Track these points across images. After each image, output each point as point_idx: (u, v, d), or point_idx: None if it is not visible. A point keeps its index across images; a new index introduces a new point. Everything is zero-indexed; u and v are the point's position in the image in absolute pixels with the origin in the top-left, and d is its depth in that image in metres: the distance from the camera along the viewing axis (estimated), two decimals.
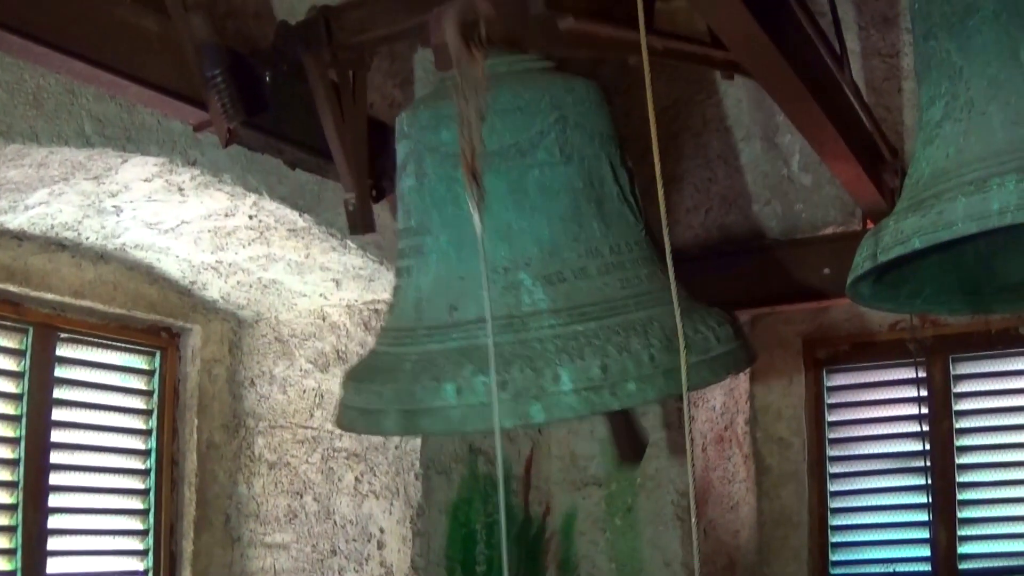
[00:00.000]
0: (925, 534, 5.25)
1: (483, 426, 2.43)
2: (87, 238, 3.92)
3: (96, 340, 4.25)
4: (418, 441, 4.44)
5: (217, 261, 4.18)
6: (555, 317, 2.53)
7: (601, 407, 2.41)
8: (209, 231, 3.95)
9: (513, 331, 2.51)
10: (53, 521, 4.00)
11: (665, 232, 2.01)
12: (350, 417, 2.74)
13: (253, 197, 3.73)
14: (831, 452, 5.64)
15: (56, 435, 4.04)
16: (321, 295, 4.52)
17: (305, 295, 4.52)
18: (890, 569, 5.49)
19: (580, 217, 2.67)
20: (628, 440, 3.31)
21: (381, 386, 2.61)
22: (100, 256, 4.09)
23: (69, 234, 3.86)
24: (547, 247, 2.62)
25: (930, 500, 5.18)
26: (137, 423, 4.38)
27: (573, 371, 2.39)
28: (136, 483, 4.36)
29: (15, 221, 3.69)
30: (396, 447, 4.47)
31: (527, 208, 2.65)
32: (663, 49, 3.30)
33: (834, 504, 5.61)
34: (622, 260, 2.66)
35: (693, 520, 1.81)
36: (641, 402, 2.45)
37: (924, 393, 5.33)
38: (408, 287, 2.78)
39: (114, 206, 3.70)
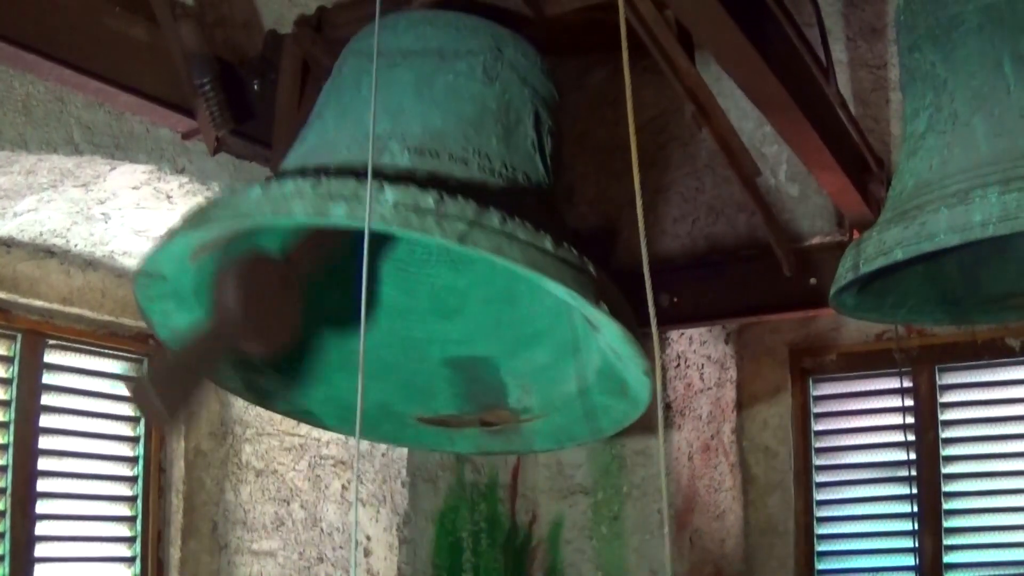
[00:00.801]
0: (911, 543, 5.24)
1: (271, 213, 2.23)
2: (75, 245, 3.92)
3: (84, 347, 4.26)
4: (405, 450, 4.44)
5: None
6: (411, 175, 2.36)
7: (420, 229, 2.16)
8: None
9: (358, 164, 2.39)
10: (41, 527, 3.99)
11: (643, 241, 2.02)
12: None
13: None
14: (817, 461, 5.65)
15: (44, 441, 4.04)
16: None
17: None
18: None
19: (481, 126, 2.59)
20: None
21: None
22: (88, 263, 4.09)
23: (58, 241, 3.87)
24: (432, 131, 2.53)
25: (916, 509, 5.19)
26: (125, 430, 4.38)
27: (402, 191, 2.17)
28: (124, 490, 4.36)
29: (4, 228, 3.70)
30: (383, 455, 4.47)
31: (427, 99, 2.59)
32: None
33: (820, 513, 5.61)
34: (514, 178, 2.56)
35: (666, 529, 1.82)
36: (470, 248, 2.19)
37: (910, 403, 5.33)
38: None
39: (102, 213, 3.71)
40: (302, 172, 2.45)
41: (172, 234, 2.42)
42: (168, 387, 2.39)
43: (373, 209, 2.15)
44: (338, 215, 2.18)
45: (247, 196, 2.26)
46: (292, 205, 2.19)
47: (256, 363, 2.85)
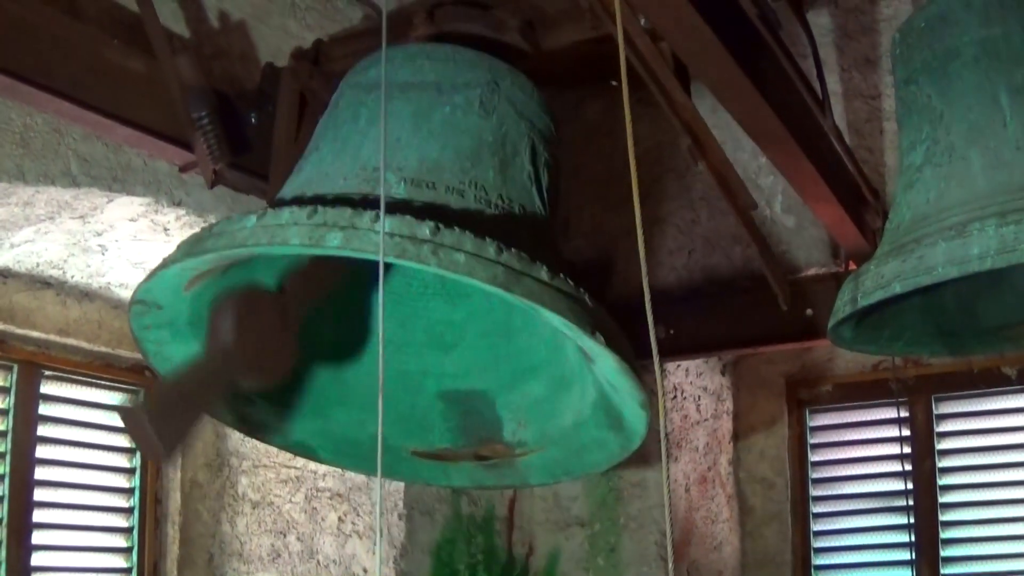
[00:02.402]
0: (908, 573, 5.23)
1: (266, 241, 2.24)
2: (72, 276, 3.92)
3: (80, 378, 4.25)
4: (401, 483, 4.43)
5: None
6: (407, 206, 2.39)
7: (414, 258, 2.18)
8: None
9: (354, 196, 2.44)
10: (37, 558, 3.99)
11: (644, 273, 2.02)
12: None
13: None
14: (814, 492, 5.64)
15: (40, 472, 4.03)
16: None
17: None
18: None
19: (478, 159, 2.63)
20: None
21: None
22: (85, 294, 4.09)
23: (54, 272, 3.87)
24: (429, 163, 2.57)
25: (913, 539, 5.18)
26: (121, 461, 4.38)
27: (398, 222, 2.20)
28: (120, 521, 4.35)
29: (0, 259, 3.70)
30: (381, 488, 4.46)
31: (424, 131, 2.62)
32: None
33: (817, 544, 5.60)
34: (510, 210, 2.59)
35: (670, 565, 1.82)
36: (464, 277, 2.21)
37: (907, 433, 5.33)
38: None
39: (99, 245, 3.71)
40: (298, 202, 2.46)
41: (167, 262, 2.42)
42: (163, 418, 2.38)
43: (367, 239, 2.18)
44: (333, 244, 2.20)
45: (242, 225, 2.28)
46: (288, 234, 2.22)
47: (250, 395, 2.85)
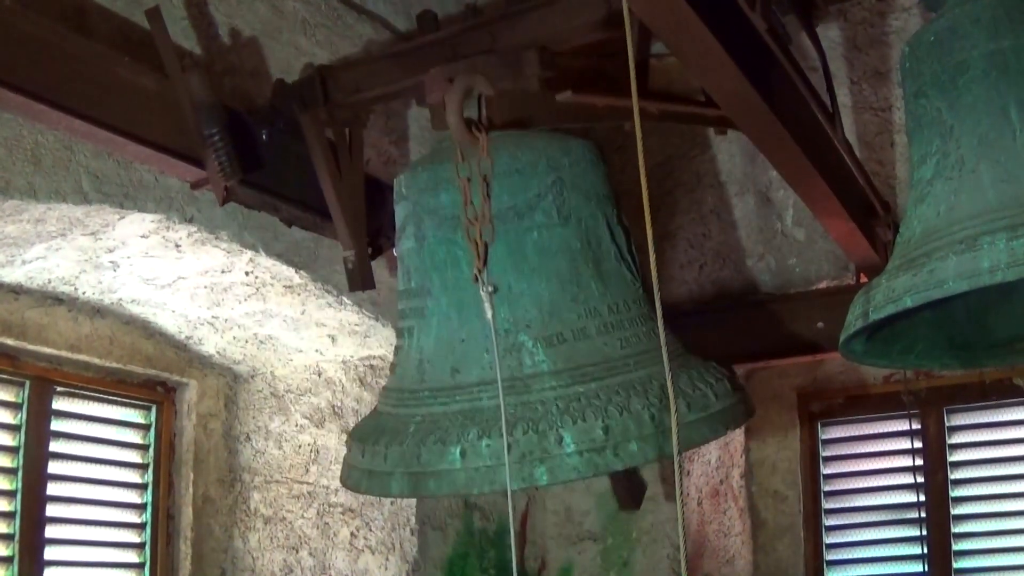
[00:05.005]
0: None
1: (488, 488, 2.46)
2: (84, 293, 3.93)
3: (92, 394, 4.26)
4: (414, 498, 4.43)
5: (213, 316, 4.19)
6: (556, 379, 2.56)
7: (604, 468, 2.44)
8: (205, 287, 3.96)
9: (516, 393, 2.54)
10: (49, 574, 3.98)
11: (656, 294, 2.02)
12: (355, 478, 2.75)
13: (249, 254, 3.74)
14: (826, 505, 5.63)
15: (52, 488, 4.04)
16: (317, 351, 4.52)
17: (301, 351, 4.52)
18: None
19: (579, 277, 2.69)
20: (627, 487, 3.29)
21: (386, 448, 2.63)
22: (97, 311, 4.09)
23: (66, 288, 3.87)
24: (547, 308, 2.65)
25: (926, 551, 5.17)
26: (133, 477, 4.38)
27: (576, 433, 2.42)
28: (132, 536, 4.35)
29: (12, 275, 3.70)
30: (392, 502, 4.46)
31: (526, 270, 2.67)
32: (658, 113, 3.32)
33: (830, 556, 5.59)
34: (621, 319, 2.69)
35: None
36: (643, 461, 2.49)
37: (919, 445, 5.32)
38: (410, 348, 2.79)
39: (111, 261, 3.71)
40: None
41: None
42: None
43: (561, 462, 2.45)
44: (543, 481, 2.48)
45: (451, 463, 2.54)
46: (497, 476, 2.48)
47: None
